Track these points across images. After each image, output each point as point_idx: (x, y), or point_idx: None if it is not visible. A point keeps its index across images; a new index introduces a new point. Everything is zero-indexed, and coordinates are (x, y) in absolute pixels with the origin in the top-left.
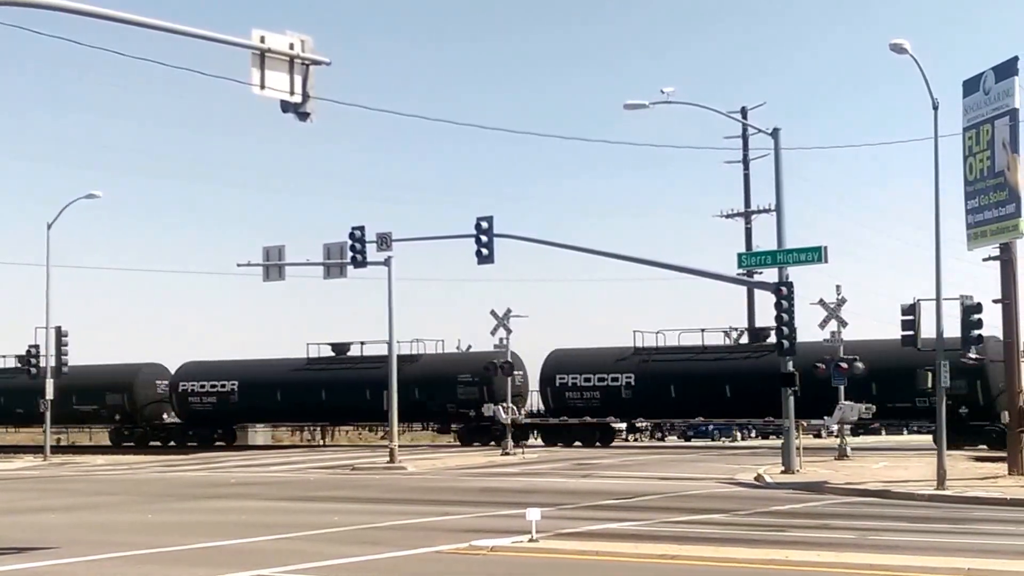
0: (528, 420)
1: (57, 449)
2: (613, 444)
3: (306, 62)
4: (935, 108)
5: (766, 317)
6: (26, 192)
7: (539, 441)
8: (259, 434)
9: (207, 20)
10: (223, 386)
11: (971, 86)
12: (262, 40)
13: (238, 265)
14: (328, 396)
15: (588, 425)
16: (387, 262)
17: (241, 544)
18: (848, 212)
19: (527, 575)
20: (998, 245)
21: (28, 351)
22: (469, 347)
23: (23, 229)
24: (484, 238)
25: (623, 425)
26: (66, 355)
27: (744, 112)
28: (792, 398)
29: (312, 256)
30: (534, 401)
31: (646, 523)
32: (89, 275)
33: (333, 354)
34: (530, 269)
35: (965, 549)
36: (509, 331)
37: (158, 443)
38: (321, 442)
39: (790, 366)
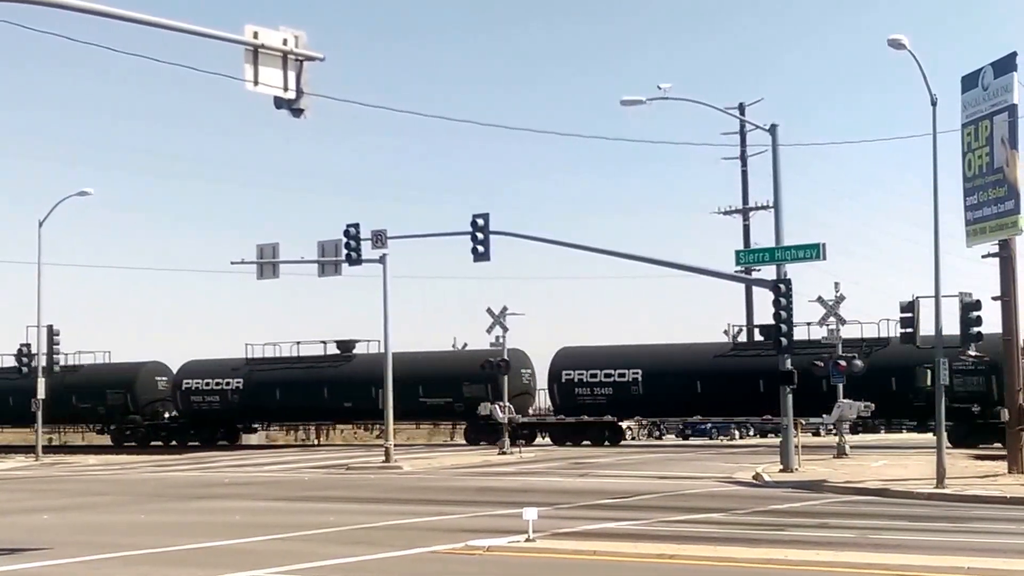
0: None
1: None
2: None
3: (299, 58)
4: (933, 104)
5: (765, 315)
6: (19, 190)
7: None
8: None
9: (200, 16)
10: (621, 375)
11: (970, 82)
12: (255, 36)
13: (232, 263)
14: (767, 386)
15: None
16: (382, 260)
17: (235, 544)
18: (847, 209)
19: (524, 575)
20: (997, 242)
21: (20, 350)
22: (465, 345)
23: (17, 227)
24: (480, 235)
25: None
26: (58, 354)
27: (742, 108)
28: (790, 396)
29: (307, 254)
30: None
31: (644, 522)
32: (83, 273)
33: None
34: (527, 267)
35: (965, 548)
36: (505, 329)
37: (522, 441)
38: (315, 441)
39: (788, 364)
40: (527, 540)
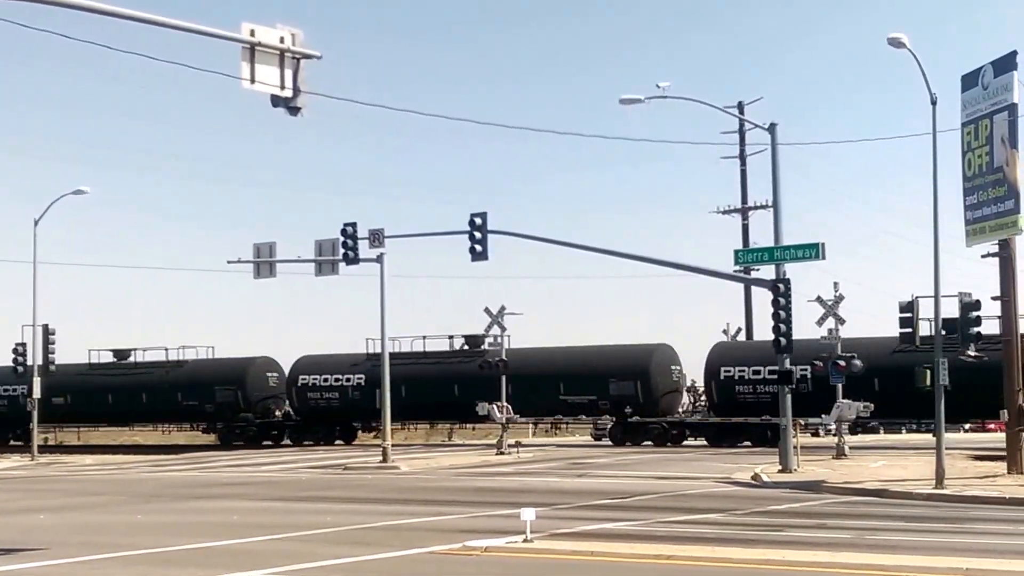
0: None
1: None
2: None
3: (296, 56)
4: (933, 103)
5: (764, 315)
6: (18, 189)
7: None
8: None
9: (198, 15)
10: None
11: (969, 81)
12: (252, 34)
13: (228, 262)
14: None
15: None
16: (379, 259)
17: (233, 545)
18: (846, 209)
19: (521, 575)
20: (997, 241)
21: (15, 349)
22: (463, 344)
23: (16, 226)
24: (478, 235)
25: None
26: (53, 353)
27: (741, 107)
28: (789, 396)
29: (305, 253)
30: None
31: (642, 523)
32: (79, 272)
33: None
34: (527, 267)
35: (963, 549)
36: (503, 328)
37: (669, 443)
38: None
39: (787, 364)
40: (525, 541)
